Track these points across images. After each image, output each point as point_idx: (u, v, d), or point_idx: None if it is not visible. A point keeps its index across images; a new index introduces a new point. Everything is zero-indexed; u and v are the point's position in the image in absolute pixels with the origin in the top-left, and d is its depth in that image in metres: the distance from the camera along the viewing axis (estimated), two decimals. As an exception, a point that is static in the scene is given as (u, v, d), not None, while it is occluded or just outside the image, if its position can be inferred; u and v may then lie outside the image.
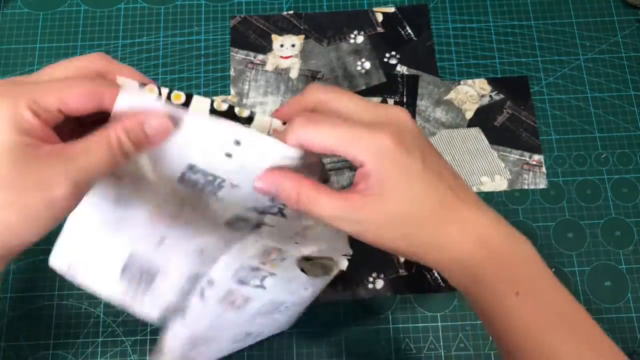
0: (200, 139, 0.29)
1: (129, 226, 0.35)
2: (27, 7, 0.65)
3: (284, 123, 0.30)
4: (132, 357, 0.52)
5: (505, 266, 0.30)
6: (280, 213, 0.34)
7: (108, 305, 0.54)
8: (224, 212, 0.34)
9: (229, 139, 0.28)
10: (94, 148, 0.26)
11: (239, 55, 0.63)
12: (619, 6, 0.65)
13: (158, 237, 0.35)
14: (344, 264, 0.41)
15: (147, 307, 0.39)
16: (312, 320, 0.53)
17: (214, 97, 0.28)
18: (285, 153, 0.29)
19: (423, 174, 0.29)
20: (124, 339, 0.53)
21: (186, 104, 0.29)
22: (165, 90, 0.29)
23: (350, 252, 0.41)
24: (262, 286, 0.39)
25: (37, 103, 0.25)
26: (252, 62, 0.63)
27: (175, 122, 0.28)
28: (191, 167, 0.30)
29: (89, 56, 0.28)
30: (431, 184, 0.29)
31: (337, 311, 0.54)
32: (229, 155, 0.29)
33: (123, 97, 0.27)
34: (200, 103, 0.29)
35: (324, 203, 0.29)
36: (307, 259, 0.39)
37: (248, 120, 0.30)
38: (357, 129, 0.28)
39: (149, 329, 0.53)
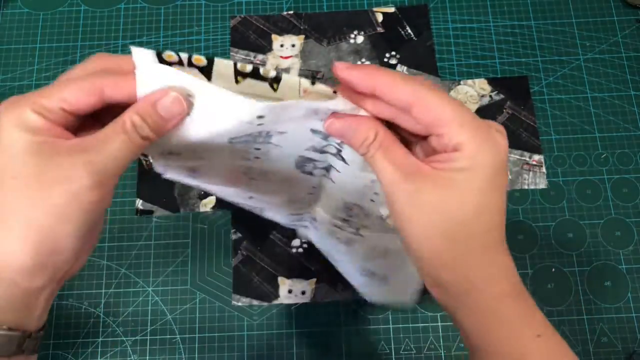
0: (225, 125, 0.28)
1: (213, 189, 0.36)
2: (27, 7, 0.65)
3: (313, 83, 0.29)
4: (132, 357, 0.52)
5: (525, 305, 0.28)
6: (339, 156, 0.32)
7: (108, 305, 0.54)
8: (287, 155, 0.33)
9: (251, 117, 0.27)
10: (111, 136, 0.26)
11: (239, 55, 0.63)
12: (619, 6, 0.65)
13: (245, 195, 0.36)
14: None
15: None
16: (312, 320, 0.53)
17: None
18: (310, 106, 0.27)
19: (501, 194, 0.27)
20: (124, 339, 0.53)
21: (208, 67, 0.27)
22: (185, 55, 0.27)
23: None
24: (359, 234, 0.39)
25: (38, 104, 0.25)
26: (252, 62, 0.63)
27: (189, 100, 0.27)
28: (232, 138, 0.29)
29: (86, 60, 0.28)
30: (500, 208, 0.27)
31: (337, 311, 0.54)
32: (261, 124, 0.28)
33: (141, 80, 0.26)
34: (223, 66, 0.27)
35: (394, 155, 0.27)
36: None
37: (275, 80, 0.28)
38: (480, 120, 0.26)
39: (148, 329, 0.53)
